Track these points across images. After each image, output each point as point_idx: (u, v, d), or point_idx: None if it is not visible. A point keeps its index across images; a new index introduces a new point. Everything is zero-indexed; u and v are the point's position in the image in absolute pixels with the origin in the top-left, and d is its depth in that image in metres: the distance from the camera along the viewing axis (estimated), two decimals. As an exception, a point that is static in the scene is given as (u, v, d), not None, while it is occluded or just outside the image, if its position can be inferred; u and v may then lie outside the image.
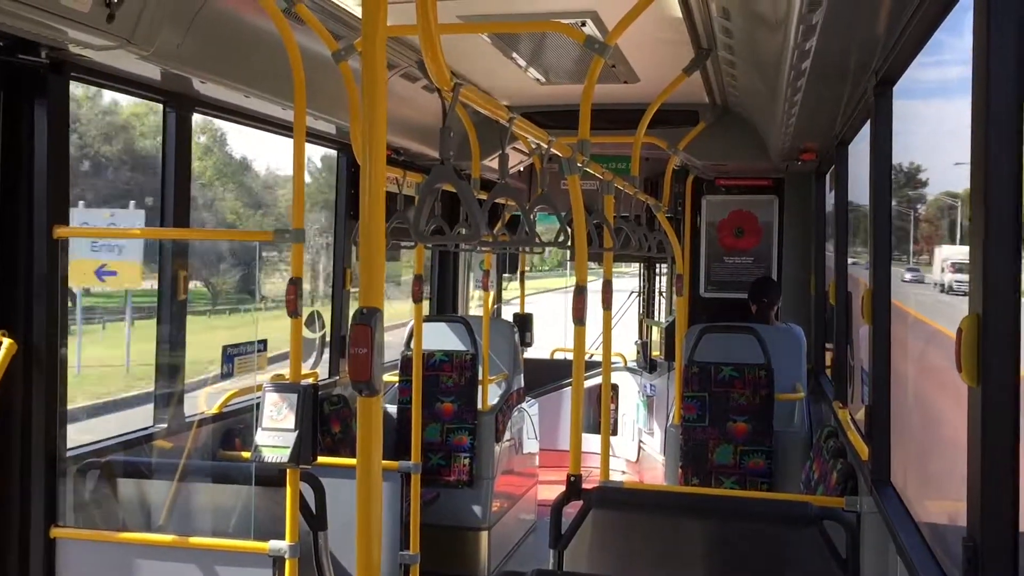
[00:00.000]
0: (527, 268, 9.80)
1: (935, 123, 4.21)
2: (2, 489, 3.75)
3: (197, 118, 4.76)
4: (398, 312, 8.55)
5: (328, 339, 6.42)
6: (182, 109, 4.59)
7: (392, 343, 6.66)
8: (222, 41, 4.09)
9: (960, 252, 4.33)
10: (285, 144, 5.09)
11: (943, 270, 4.72)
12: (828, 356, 6.65)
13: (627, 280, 13.05)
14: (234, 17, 4.12)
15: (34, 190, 3.72)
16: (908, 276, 5.13)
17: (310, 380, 5.53)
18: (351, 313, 4.22)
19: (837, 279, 5.67)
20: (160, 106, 4.58)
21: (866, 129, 4.01)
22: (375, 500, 1.80)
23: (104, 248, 5.56)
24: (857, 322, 5.33)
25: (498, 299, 10.16)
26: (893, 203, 3.75)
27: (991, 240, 1.93)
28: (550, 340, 10.76)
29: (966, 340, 1.96)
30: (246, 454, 4.46)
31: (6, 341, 3.63)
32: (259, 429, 3.70)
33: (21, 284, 3.73)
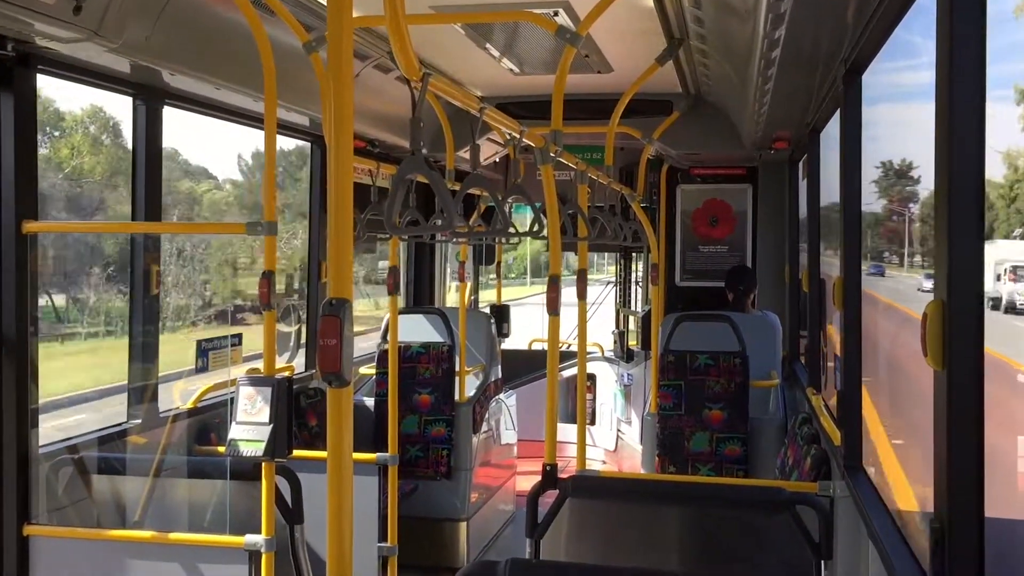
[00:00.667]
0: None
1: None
2: None
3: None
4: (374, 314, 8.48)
5: (304, 333, 6.40)
6: (152, 102, 4.55)
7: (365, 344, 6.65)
8: (191, 32, 4.05)
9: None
10: (211, 132, 5.03)
11: (1001, 277, 3.52)
12: (803, 343, 6.71)
13: (600, 281, 13.06)
14: (204, 8, 4.09)
15: (1, 185, 3.68)
16: (929, 285, 4.51)
17: (286, 374, 5.51)
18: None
19: (810, 267, 5.72)
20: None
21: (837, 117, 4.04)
22: (346, 491, 1.80)
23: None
24: (830, 309, 5.37)
25: (475, 290, 10.16)
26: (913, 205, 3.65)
27: (954, 228, 1.96)
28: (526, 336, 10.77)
29: (931, 325, 1.99)
30: (221, 449, 4.43)
31: None
32: (233, 423, 3.69)
33: None
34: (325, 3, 4.55)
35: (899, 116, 3.61)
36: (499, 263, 9.70)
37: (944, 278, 1.97)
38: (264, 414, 3.64)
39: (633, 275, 10.36)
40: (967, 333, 1.94)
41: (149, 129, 4.56)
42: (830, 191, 4.87)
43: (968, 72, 1.93)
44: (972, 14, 1.92)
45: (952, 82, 1.94)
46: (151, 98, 4.53)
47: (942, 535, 2.01)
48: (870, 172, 3.75)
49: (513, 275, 34.06)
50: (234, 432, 3.67)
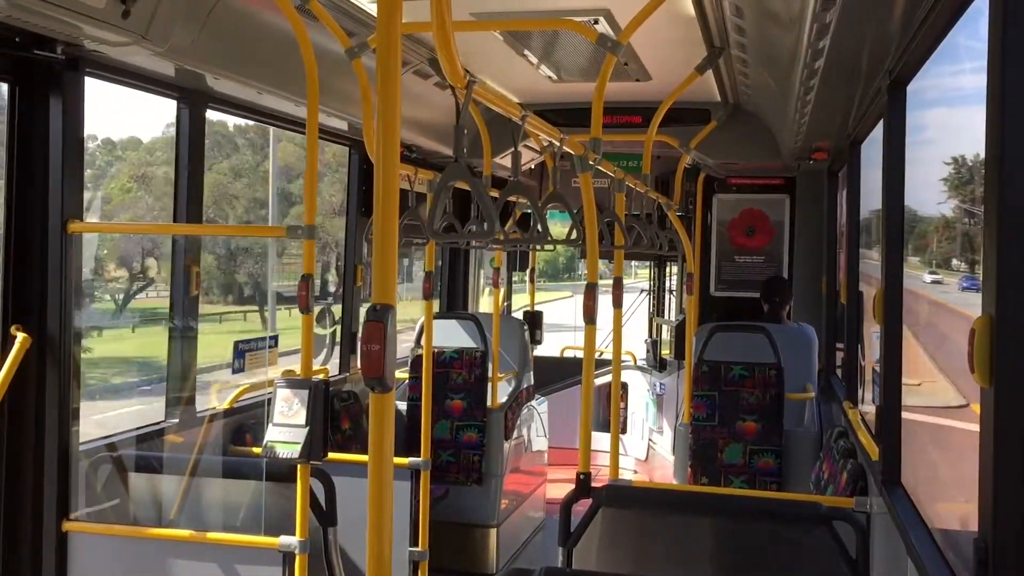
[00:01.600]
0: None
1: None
2: (15, 483, 3.78)
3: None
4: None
5: (339, 335, 6.44)
6: (195, 105, 4.61)
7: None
8: (236, 37, 4.10)
9: None
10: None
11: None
12: (839, 356, 6.63)
13: (633, 288, 13.01)
14: (248, 14, 4.14)
15: (49, 185, 3.74)
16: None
17: (321, 376, 5.55)
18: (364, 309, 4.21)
19: (848, 279, 5.66)
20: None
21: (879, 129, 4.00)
22: (387, 497, 1.81)
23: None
24: (869, 322, 5.31)
25: (508, 296, 10.17)
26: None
27: (1004, 239, 1.92)
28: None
29: (979, 341, 1.96)
30: (257, 449, 4.47)
31: (20, 335, 3.66)
32: (270, 425, 3.72)
33: (35, 279, 3.76)
34: (367, 9, 4.59)
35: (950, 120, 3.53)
36: (533, 269, 9.70)
37: (992, 292, 1.94)
38: (300, 416, 3.66)
39: (667, 283, 10.31)
40: (1016, 349, 1.91)
41: (192, 132, 4.62)
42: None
43: (1022, 81, 1.90)
44: None
45: (1004, 89, 1.92)
46: (195, 101, 4.59)
47: (987, 554, 1.98)
48: (938, 170, 3.64)
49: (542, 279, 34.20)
50: (270, 434, 3.70)
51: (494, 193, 5.10)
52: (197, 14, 3.74)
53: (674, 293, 9.94)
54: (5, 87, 3.73)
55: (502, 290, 7.79)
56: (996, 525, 1.94)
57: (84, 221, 3.89)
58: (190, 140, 4.62)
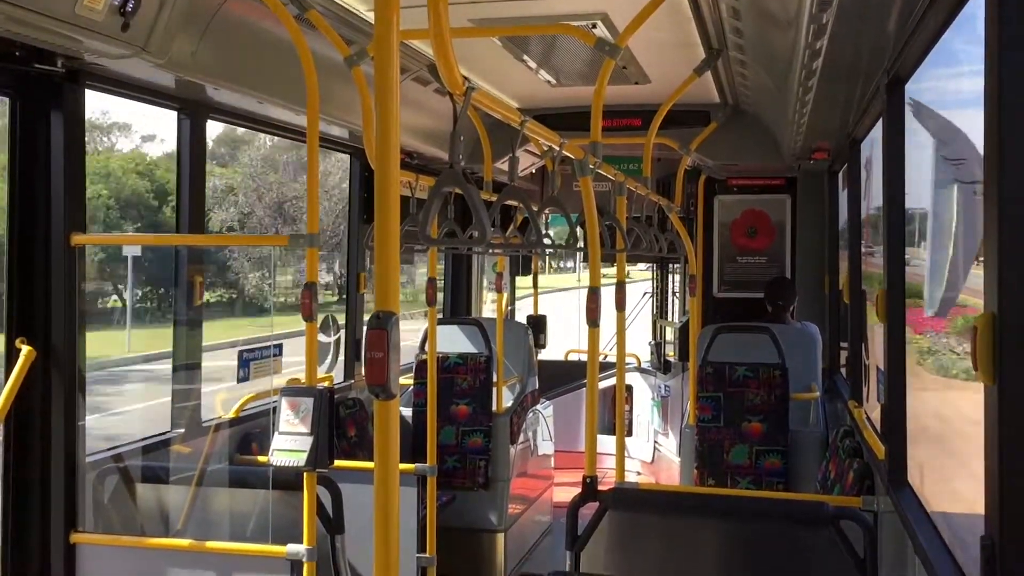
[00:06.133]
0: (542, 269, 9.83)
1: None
2: (23, 495, 3.79)
3: None
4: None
5: (343, 343, 6.45)
6: (196, 116, 4.62)
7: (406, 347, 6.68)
8: (235, 48, 4.12)
9: None
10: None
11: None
12: (843, 355, 6.62)
13: (637, 285, 12.98)
14: (247, 24, 4.15)
15: (51, 198, 3.75)
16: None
17: (325, 384, 5.55)
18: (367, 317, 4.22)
19: (851, 278, 5.65)
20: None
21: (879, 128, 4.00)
22: (393, 503, 1.81)
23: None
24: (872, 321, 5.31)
25: (511, 301, 10.17)
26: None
27: (1006, 236, 1.92)
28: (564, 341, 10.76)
29: (981, 338, 1.96)
30: (263, 458, 4.48)
31: (25, 348, 3.66)
32: (276, 433, 3.72)
33: (39, 292, 3.76)
34: (366, 17, 4.60)
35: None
36: (536, 274, 9.71)
37: (995, 290, 1.94)
38: (306, 425, 3.67)
39: (670, 286, 10.31)
40: (1019, 346, 1.91)
41: (193, 142, 4.63)
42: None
43: (1019, 77, 1.91)
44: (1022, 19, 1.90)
45: (1002, 87, 1.92)
46: (195, 112, 4.60)
47: (994, 552, 1.98)
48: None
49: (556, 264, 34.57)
50: (276, 442, 3.70)
51: (494, 198, 5.11)
52: (196, 25, 3.76)
53: (677, 295, 9.93)
54: (7, 100, 3.75)
55: (505, 295, 7.79)
56: (1003, 521, 1.94)
57: (87, 233, 3.90)
58: (191, 151, 4.63)
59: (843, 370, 6.53)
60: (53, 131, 3.74)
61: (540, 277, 9.76)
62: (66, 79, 3.71)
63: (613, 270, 4.52)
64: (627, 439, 9.30)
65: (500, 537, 6.45)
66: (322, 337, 6.04)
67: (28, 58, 3.55)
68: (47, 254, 3.76)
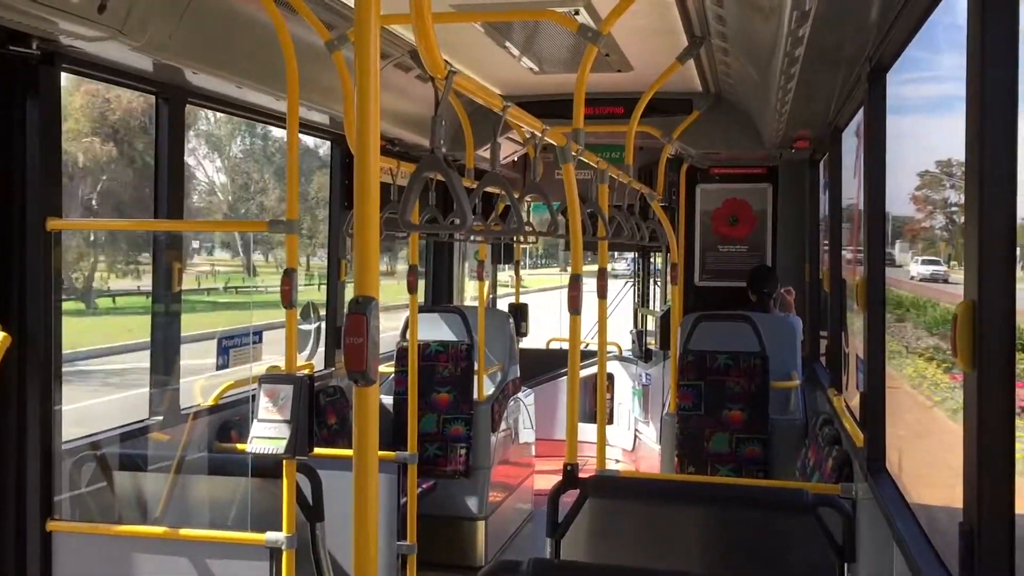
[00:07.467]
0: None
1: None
2: None
3: None
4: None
5: (324, 330, 6.42)
6: (174, 100, 4.57)
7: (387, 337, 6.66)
8: (214, 31, 4.07)
9: None
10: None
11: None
12: (823, 343, 6.66)
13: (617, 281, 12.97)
14: (226, 7, 4.10)
15: (27, 183, 3.70)
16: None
17: (306, 371, 5.52)
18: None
19: (831, 267, 5.68)
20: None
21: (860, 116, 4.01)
22: (371, 490, 1.80)
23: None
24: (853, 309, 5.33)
25: (493, 289, 10.15)
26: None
27: (985, 226, 1.93)
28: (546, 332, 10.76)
29: (961, 326, 1.97)
30: (242, 446, 4.46)
31: (0, 334, 3.62)
32: (255, 421, 3.70)
33: (15, 277, 3.72)
34: (347, 1, 4.56)
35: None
36: (517, 262, 9.69)
37: (975, 278, 1.95)
38: (286, 412, 3.65)
39: (651, 274, 10.32)
40: (998, 334, 1.92)
41: (172, 127, 4.58)
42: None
43: (1000, 70, 1.91)
44: (1004, 9, 1.90)
45: (984, 78, 1.92)
46: (174, 96, 4.55)
47: (972, 537, 1.99)
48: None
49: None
50: (256, 430, 3.68)
51: (475, 185, 5.09)
52: (175, 8, 3.71)
53: (659, 283, 9.95)
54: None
55: (487, 283, 7.77)
56: (981, 506, 1.96)
57: (64, 218, 3.85)
58: (169, 135, 4.58)
59: (823, 359, 6.57)
60: (29, 114, 3.69)
61: (520, 274, 9.72)
62: (41, 62, 3.66)
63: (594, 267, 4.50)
64: (608, 427, 9.33)
65: (481, 525, 6.46)
66: (303, 325, 6.01)
67: (2, 40, 3.49)
68: (23, 239, 3.71)
